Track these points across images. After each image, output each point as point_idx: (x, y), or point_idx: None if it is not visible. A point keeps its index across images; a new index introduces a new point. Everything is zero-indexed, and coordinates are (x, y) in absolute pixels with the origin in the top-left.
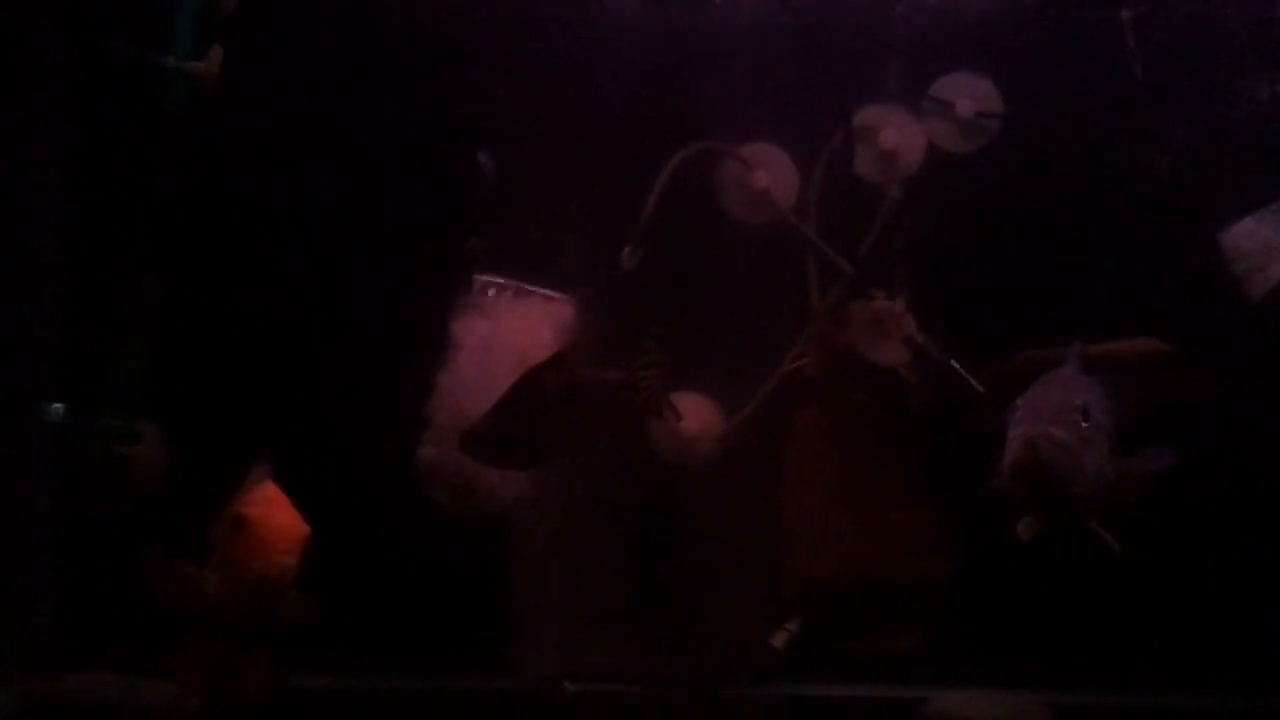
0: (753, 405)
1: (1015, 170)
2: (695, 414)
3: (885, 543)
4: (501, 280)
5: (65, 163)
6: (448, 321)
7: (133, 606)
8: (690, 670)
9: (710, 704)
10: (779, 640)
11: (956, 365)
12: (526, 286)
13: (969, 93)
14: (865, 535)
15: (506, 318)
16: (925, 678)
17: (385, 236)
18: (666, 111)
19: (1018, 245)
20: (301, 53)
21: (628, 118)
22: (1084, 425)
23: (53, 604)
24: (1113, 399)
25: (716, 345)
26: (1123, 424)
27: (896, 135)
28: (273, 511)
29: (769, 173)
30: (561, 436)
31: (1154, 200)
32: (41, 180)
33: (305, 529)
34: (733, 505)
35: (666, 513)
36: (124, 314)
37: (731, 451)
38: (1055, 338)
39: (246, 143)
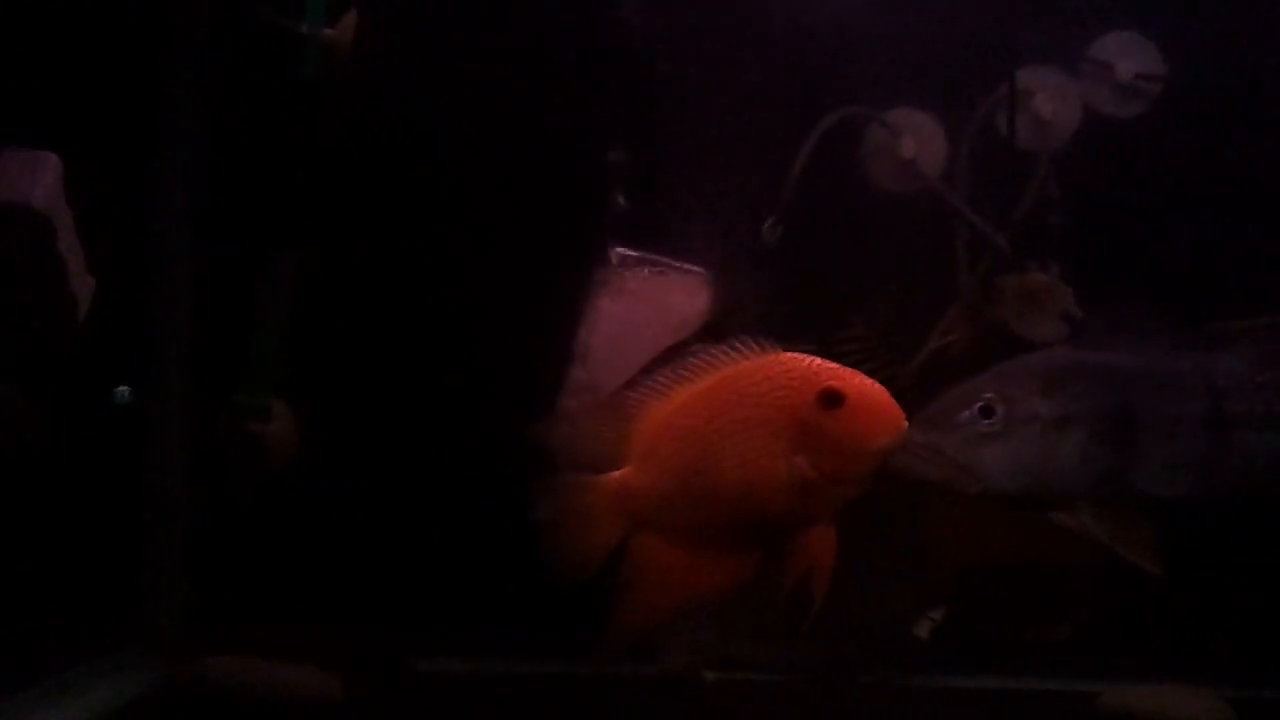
0: (901, 383)
1: (1177, 136)
2: None
3: (1034, 527)
4: (639, 254)
5: (197, 133)
6: (585, 299)
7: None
8: (831, 660)
9: (851, 695)
10: (923, 630)
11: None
12: (664, 260)
13: (1129, 54)
14: (1013, 520)
15: (644, 294)
16: (1089, 671)
17: (522, 210)
18: (810, 77)
19: (1180, 215)
20: (438, 21)
21: (770, 84)
22: (986, 422)
23: (187, 587)
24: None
25: (862, 321)
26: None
27: (1052, 100)
28: (865, 382)
29: (916, 140)
30: None
31: None
32: (173, 151)
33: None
34: (876, 488)
35: None
36: (257, 290)
37: None
38: (1220, 312)
39: (381, 113)
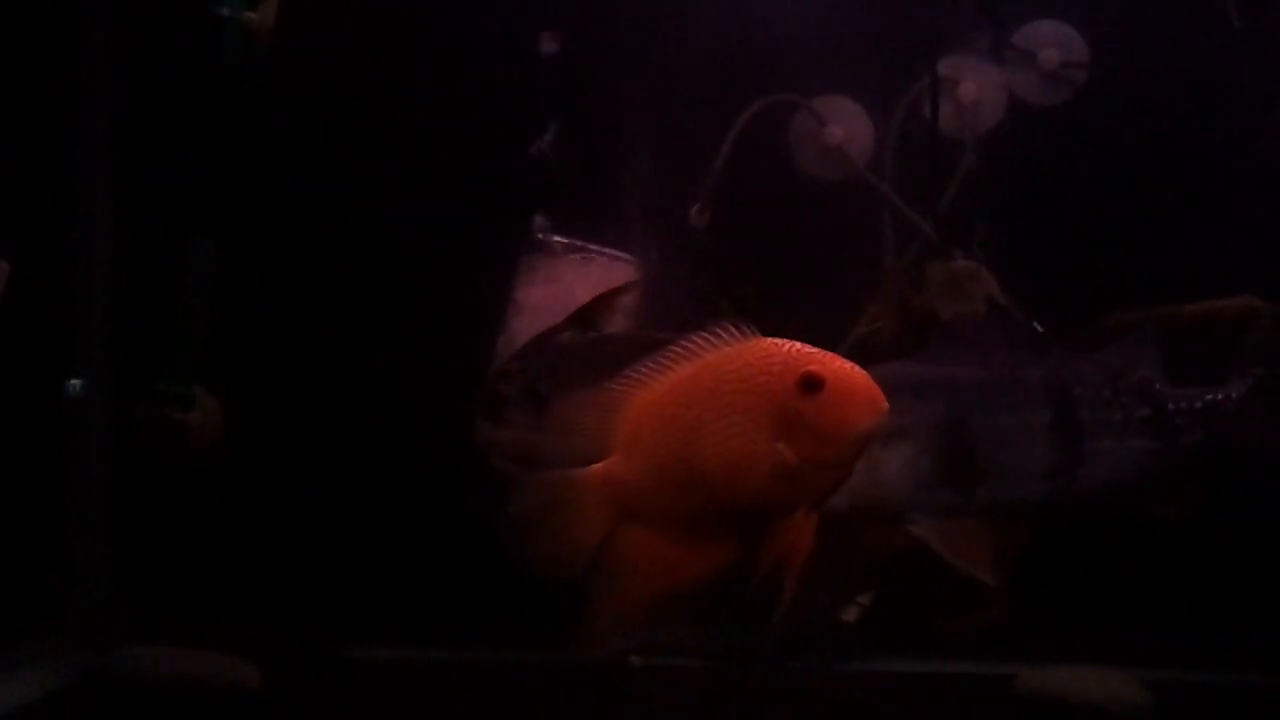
0: None
1: (1102, 123)
2: None
3: None
4: (565, 240)
5: (115, 119)
6: (509, 284)
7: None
8: (759, 646)
9: (779, 680)
10: (850, 615)
11: (1039, 328)
12: (590, 247)
13: (1053, 42)
14: None
15: (569, 279)
16: (1009, 654)
17: (445, 195)
18: (737, 63)
19: (1105, 201)
20: (362, 3)
21: (697, 70)
22: None
23: (109, 574)
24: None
25: (788, 308)
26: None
27: (977, 87)
28: (844, 366)
29: (843, 127)
30: None
31: (1249, 152)
32: (90, 137)
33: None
34: None
35: None
36: (177, 277)
37: None
38: (1143, 298)
39: (302, 97)
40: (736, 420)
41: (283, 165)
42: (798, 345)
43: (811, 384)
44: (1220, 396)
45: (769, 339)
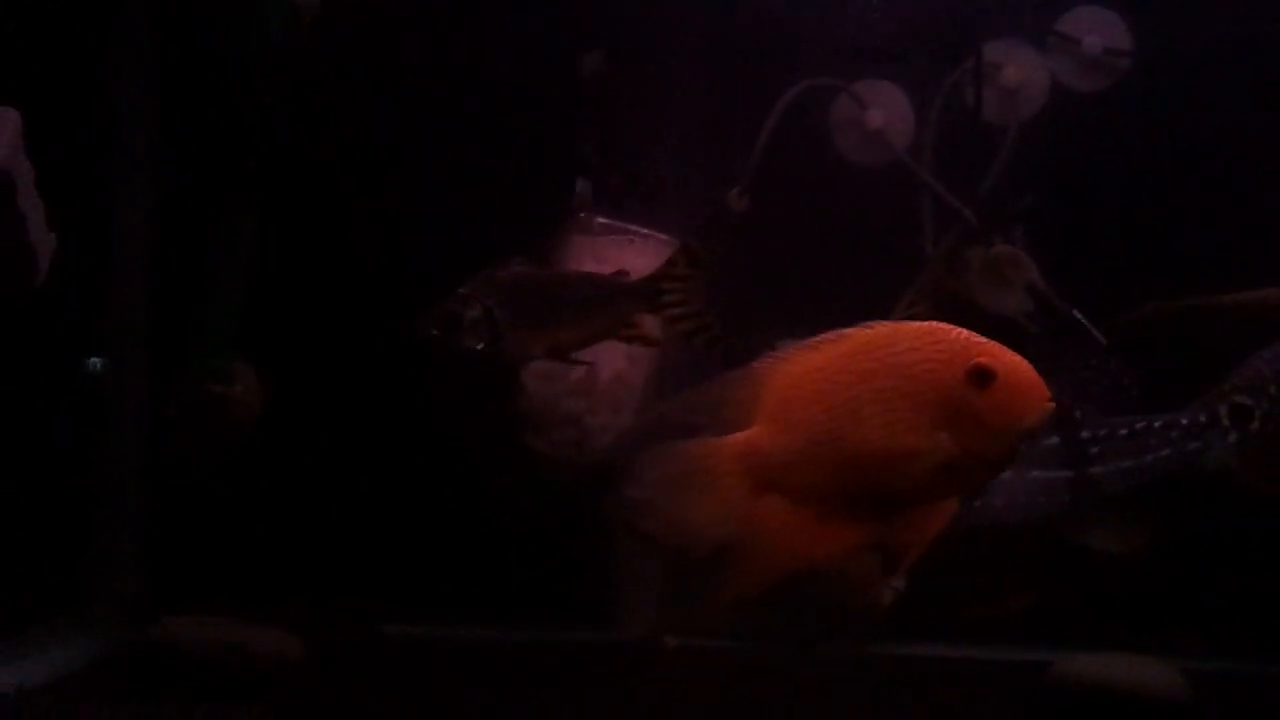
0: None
1: (1145, 110)
2: None
3: None
4: (607, 220)
5: (157, 97)
6: (551, 263)
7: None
8: (793, 628)
9: (813, 662)
10: (885, 598)
11: (1080, 315)
12: (631, 227)
13: (1097, 28)
14: None
15: (612, 261)
16: (1047, 641)
17: (489, 176)
18: (778, 47)
19: (1147, 189)
20: None
21: (739, 54)
22: None
23: (147, 549)
24: None
25: (827, 292)
26: None
27: (1019, 72)
28: (1014, 359)
29: (884, 111)
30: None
31: None
32: (132, 115)
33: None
34: None
35: None
36: (218, 251)
37: None
38: (1184, 286)
39: (346, 76)
40: (897, 406)
41: (323, 145)
42: (964, 333)
43: (983, 376)
44: (1147, 425)
45: (937, 324)
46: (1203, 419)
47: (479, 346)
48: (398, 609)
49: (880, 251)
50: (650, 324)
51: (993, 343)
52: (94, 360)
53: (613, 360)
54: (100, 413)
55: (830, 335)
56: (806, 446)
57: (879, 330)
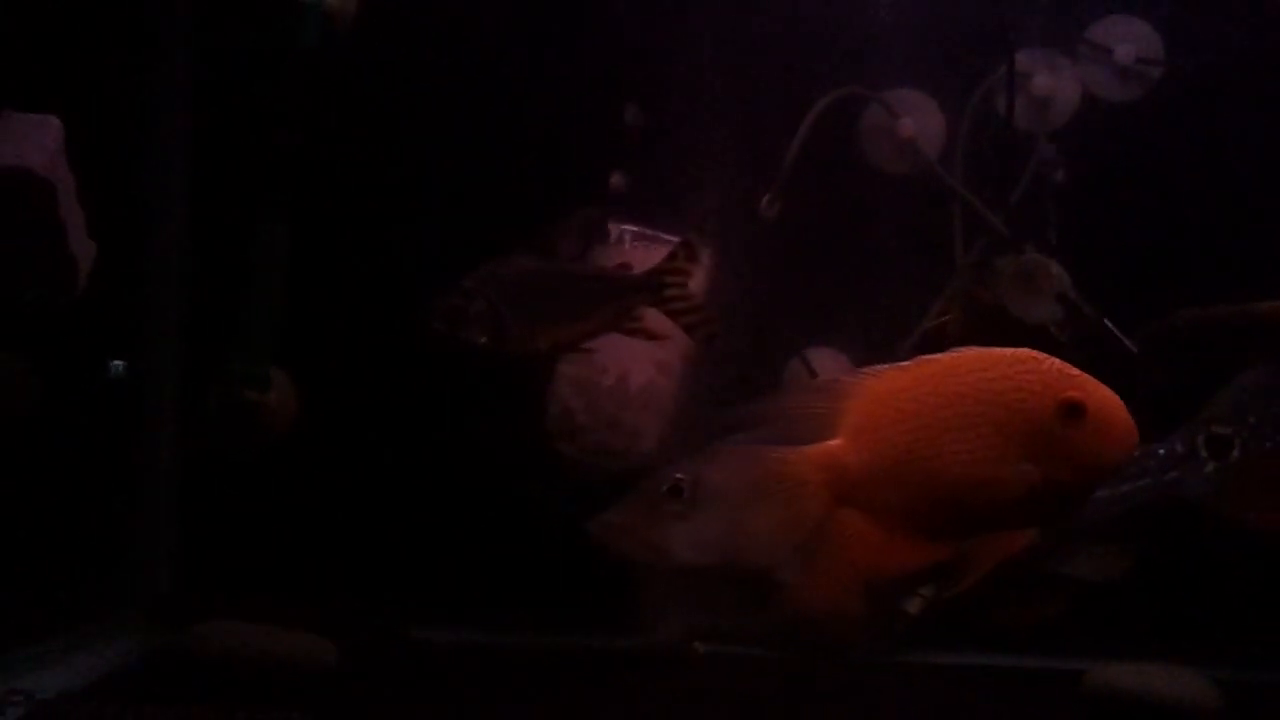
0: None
1: (1176, 119)
2: (831, 372)
3: None
4: (637, 228)
5: (193, 102)
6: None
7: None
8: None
9: (840, 669)
10: (913, 606)
11: (1110, 324)
12: (663, 235)
13: (1128, 37)
14: None
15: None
16: (1078, 650)
17: (521, 181)
18: (810, 56)
19: (1178, 197)
20: None
21: (770, 62)
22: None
23: (181, 553)
24: None
25: (857, 299)
26: None
27: (1050, 81)
28: (1105, 393)
29: (915, 120)
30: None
31: None
32: (168, 121)
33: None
34: None
35: None
36: (254, 257)
37: None
38: (1216, 295)
39: (381, 82)
40: (985, 433)
41: (358, 150)
42: (1056, 363)
43: (1074, 410)
44: None
45: (1026, 352)
46: (1179, 448)
47: (483, 340)
48: (429, 614)
49: (911, 259)
50: (653, 318)
51: (1084, 375)
52: (126, 365)
53: (644, 369)
54: (136, 418)
55: (922, 358)
56: (889, 464)
57: (969, 354)
